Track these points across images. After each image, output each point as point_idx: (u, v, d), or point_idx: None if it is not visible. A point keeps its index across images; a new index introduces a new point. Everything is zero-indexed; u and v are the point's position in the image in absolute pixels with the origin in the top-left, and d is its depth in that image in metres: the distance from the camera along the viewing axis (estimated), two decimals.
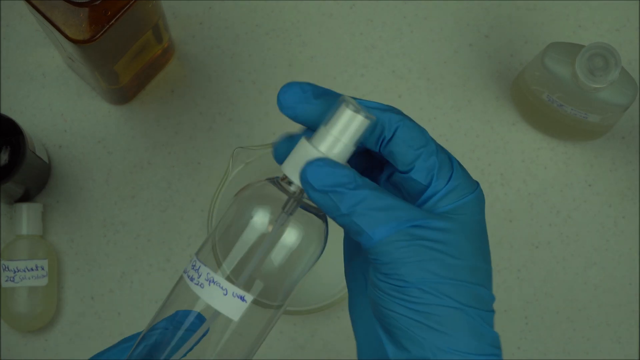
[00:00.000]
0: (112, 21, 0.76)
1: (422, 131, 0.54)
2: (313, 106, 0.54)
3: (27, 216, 0.91)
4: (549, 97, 0.88)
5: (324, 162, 0.53)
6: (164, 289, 0.93)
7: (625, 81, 0.85)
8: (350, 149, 0.53)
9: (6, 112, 0.94)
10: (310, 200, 0.54)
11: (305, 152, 0.53)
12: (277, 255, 0.54)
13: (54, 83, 0.95)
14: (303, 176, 0.52)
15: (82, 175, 0.94)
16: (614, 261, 0.94)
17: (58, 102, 0.95)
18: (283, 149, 0.56)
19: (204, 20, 0.95)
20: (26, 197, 0.93)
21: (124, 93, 0.93)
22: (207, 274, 0.54)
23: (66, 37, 0.76)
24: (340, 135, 0.53)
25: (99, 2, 0.75)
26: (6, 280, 0.90)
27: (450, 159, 0.55)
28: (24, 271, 0.90)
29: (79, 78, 0.94)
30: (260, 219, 0.54)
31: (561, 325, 0.93)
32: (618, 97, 0.85)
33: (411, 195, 0.55)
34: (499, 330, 0.54)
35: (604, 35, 0.96)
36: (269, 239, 0.54)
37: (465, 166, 1.00)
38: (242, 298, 0.54)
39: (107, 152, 0.94)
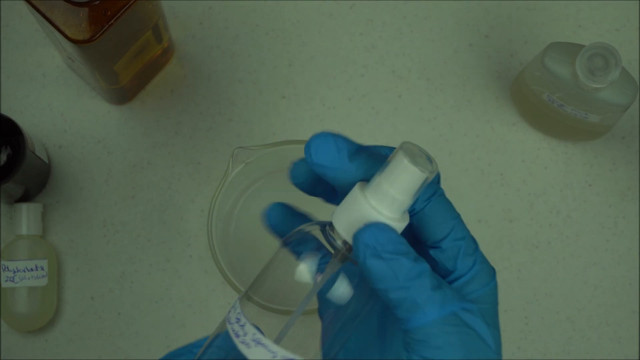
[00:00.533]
0: (112, 21, 0.76)
1: (452, 208, 0.52)
2: (347, 168, 0.49)
3: (27, 216, 0.91)
4: (549, 97, 0.88)
5: (384, 226, 0.49)
6: (164, 289, 0.93)
7: (625, 81, 0.85)
8: (408, 203, 0.50)
9: (6, 112, 0.94)
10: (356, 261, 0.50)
11: (359, 208, 0.49)
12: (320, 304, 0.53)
13: (54, 83, 0.95)
14: (363, 239, 0.48)
15: (82, 175, 0.94)
16: (614, 261, 0.94)
17: (58, 102, 0.95)
18: (301, 170, 0.52)
19: (204, 20, 0.95)
20: (26, 197, 0.92)
21: (124, 93, 0.92)
22: (254, 334, 0.51)
23: (66, 37, 0.76)
24: (397, 192, 0.49)
25: (98, 2, 0.75)
26: (6, 280, 0.90)
27: (474, 240, 0.52)
28: (24, 271, 0.90)
29: (79, 78, 0.94)
30: (307, 269, 0.52)
31: (561, 325, 0.93)
32: (618, 97, 0.85)
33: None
34: None
35: (604, 35, 0.96)
36: (314, 290, 0.52)
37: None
38: None
39: (107, 152, 0.94)
